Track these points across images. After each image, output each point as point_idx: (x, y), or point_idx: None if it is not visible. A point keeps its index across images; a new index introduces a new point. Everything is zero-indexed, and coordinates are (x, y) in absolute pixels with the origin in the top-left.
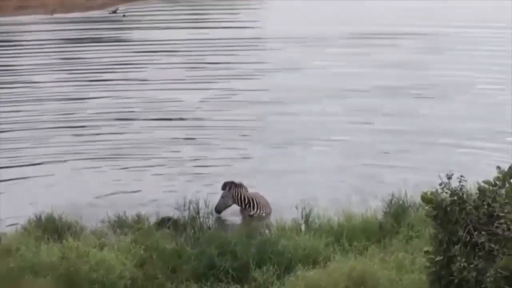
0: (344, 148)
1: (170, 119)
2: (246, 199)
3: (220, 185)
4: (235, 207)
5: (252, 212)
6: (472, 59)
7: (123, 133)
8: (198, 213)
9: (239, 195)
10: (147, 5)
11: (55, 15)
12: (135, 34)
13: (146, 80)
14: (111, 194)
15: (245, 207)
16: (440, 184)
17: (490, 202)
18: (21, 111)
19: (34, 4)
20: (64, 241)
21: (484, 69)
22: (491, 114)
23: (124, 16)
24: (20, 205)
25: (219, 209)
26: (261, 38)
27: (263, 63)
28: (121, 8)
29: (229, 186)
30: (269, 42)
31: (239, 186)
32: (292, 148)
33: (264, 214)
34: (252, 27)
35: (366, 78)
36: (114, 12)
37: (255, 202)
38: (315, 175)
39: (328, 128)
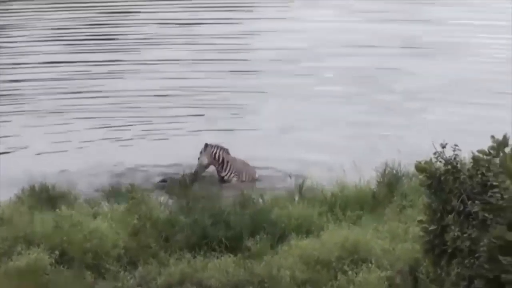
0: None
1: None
2: (221, 159)
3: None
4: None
5: (223, 174)
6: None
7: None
8: (193, 178)
9: (215, 155)
10: None
11: None
12: None
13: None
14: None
15: (218, 167)
16: (435, 153)
17: (484, 171)
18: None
19: None
20: (57, 210)
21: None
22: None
23: None
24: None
25: (196, 172)
26: None
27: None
28: None
29: (205, 146)
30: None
31: (218, 147)
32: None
33: (235, 179)
34: None
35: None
36: None
37: (228, 165)
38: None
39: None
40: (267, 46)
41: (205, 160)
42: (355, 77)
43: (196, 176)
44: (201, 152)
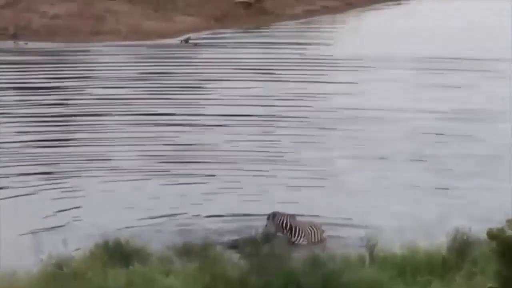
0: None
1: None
2: (288, 226)
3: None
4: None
5: (293, 239)
6: None
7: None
8: (265, 239)
9: (282, 223)
10: (220, 33)
11: (128, 42)
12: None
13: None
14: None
15: (287, 234)
16: (507, 221)
17: None
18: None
19: (106, 30)
20: (130, 266)
21: None
22: None
23: (195, 45)
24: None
25: (263, 238)
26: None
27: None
28: (193, 36)
29: (272, 215)
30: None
31: (283, 215)
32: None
33: (305, 242)
34: (322, 45)
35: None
36: (186, 41)
37: (297, 230)
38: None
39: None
40: (341, 105)
41: (273, 229)
42: (425, 141)
43: (267, 239)
44: (268, 219)
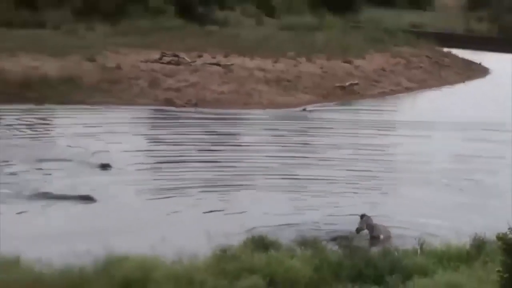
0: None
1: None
2: (370, 225)
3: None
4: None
5: (373, 234)
6: None
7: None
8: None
9: (367, 223)
10: (325, 105)
11: (267, 109)
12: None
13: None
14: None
15: (369, 230)
16: (509, 229)
17: None
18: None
19: (253, 102)
20: (268, 252)
21: None
22: None
23: (310, 111)
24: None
25: (357, 231)
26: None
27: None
28: (308, 107)
29: (366, 216)
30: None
31: (368, 217)
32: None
33: (382, 237)
34: (391, 112)
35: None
36: (304, 110)
37: (376, 228)
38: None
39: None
40: (410, 152)
41: (364, 227)
42: (459, 176)
43: (357, 232)
44: (361, 218)
